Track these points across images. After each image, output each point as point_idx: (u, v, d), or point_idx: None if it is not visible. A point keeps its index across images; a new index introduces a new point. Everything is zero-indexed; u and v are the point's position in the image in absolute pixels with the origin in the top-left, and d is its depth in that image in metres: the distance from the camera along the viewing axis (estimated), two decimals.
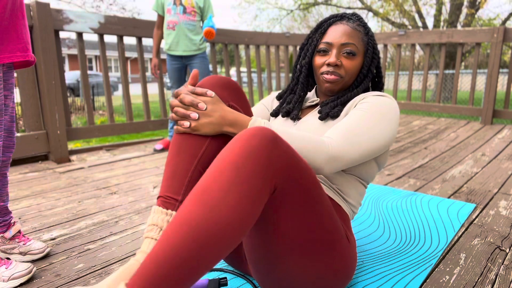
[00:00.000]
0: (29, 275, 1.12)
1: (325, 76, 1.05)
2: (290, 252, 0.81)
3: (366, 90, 1.14)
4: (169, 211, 0.83)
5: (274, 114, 1.17)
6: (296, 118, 1.10)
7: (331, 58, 1.03)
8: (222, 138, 0.90)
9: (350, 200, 1.06)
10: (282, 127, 0.90)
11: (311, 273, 0.85)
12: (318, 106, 1.11)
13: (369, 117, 0.94)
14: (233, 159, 0.68)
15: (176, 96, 0.89)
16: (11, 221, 1.24)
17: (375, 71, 1.12)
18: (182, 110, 0.86)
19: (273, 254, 0.83)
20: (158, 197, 0.86)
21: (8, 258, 1.15)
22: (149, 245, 0.79)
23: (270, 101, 1.24)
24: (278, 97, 1.21)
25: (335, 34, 1.05)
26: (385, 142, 0.95)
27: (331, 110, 1.03)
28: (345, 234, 0.91)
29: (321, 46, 1.07)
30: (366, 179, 1.09)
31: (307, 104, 1.15)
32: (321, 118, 1.03)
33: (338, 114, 1.02)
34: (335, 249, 0.86)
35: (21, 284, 1.11)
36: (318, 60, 1.07)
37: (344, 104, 1.06)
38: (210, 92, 0.88)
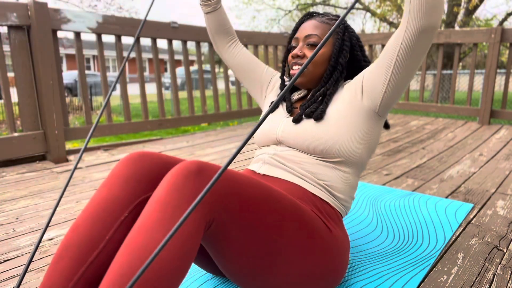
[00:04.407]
0: None
1: (292, 70, 1.09)
2: (254, 267, 0.81)
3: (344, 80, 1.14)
4: None
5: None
6: (290, 110, 1.11)
7: (295, 50, 1.07)
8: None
9: (340, 195, 1.02)
10: None
11: (292, 278, 0.86)
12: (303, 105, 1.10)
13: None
14: (161, 197, 0.69)
15: None
16: None
17: (350, 61, 1.11)
18: None
19: (241, 272, 0.83)
20: None
21: None
22: None
23: (270, 76, 1.28)
24: (282, 86, 1.20)
25: (302, 29, 1.09)
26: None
27: (312, 112, 1.03)
28: (324, 233, 0.91)
29: (292, 43, 1.12)
30: (356, 169, 1.05)
31: (296, 97, 1.16)
32: (315, 118, 1.02)
33: (321, 115, 1.02)
34: (314, 251, 0.86)
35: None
36: (289, 57, 1.11)
37: (322, 99, 1.05)
38: None
